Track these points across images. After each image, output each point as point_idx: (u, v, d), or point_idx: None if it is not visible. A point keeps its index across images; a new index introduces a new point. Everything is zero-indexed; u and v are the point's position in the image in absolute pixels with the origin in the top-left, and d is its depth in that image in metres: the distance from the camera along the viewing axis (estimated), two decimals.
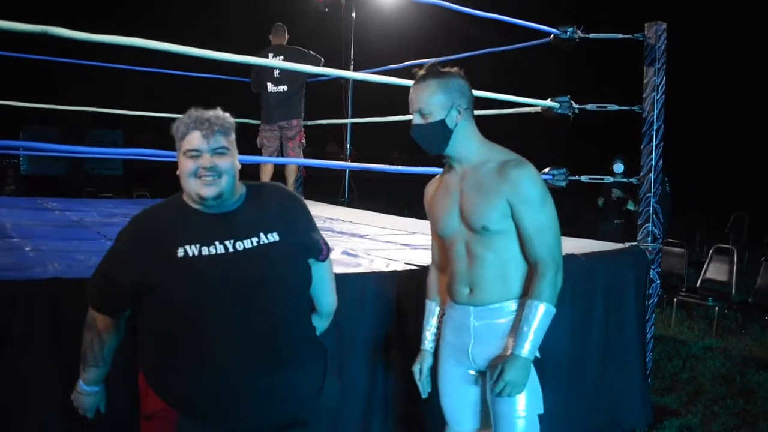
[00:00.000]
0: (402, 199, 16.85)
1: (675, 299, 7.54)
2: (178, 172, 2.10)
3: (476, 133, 2.53)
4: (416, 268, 3.45)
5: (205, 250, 2.01)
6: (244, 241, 2.05)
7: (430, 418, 3.40)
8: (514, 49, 4.99)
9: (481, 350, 2.50)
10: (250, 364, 2.00)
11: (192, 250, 2.00)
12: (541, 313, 2.35)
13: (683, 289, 7.68)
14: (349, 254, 3.81)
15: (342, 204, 7.83)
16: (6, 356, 2.36)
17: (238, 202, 2.12)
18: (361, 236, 4.70)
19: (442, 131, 2.44)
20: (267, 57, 6.69)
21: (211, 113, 2.06)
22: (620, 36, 4.65)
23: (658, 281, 4.61)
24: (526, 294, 2.43)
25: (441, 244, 2.69)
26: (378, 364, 3.27)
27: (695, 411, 4.79)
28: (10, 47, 6.63)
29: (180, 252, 1.99)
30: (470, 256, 2.49)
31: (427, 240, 4.52)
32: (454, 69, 2.51)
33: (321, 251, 2.24)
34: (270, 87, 6.75)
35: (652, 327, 4.60)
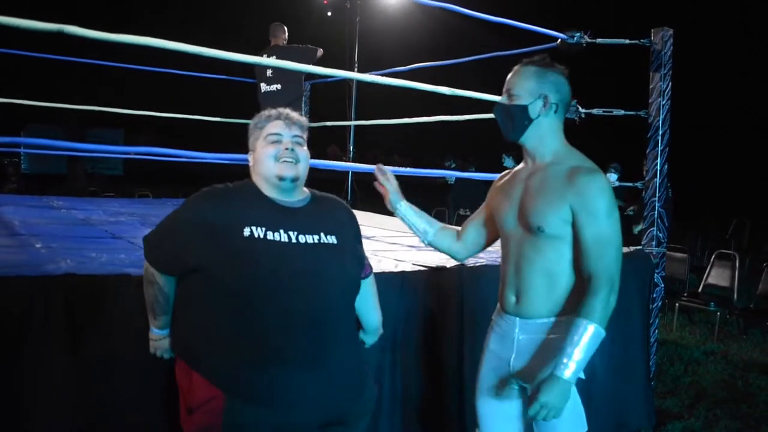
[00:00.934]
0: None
1: (677, 304, 7.56)
2: (251, 164, 2.27)
3: (559, 134, 2.44)
4: (424, 268, 3.47)
5: (270, 235, 2.10)
6: (306, 236, 2.16)
7: (439, 418, 3.43)
8: (521, 53, 5.03)
9: (522, 364, 2.39)
10: (302, 352, 2.06)
11: (258, 232, 2.09)
12: (589, 334, 2.18)
13: (685, 294, 7.70)
14: None
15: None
16: (22, 351, 2.38)
17: (304, 202, 2.27)
18: (368, 237, 4.71)
19: (521, 116, 2.38)
20: (261, 57, 6.72)
21: (288, 110, 2.27)
22: (627, 41, 4.67)
23: (662, 285, 4.63)
24: (575, 311, 2.27)
25: (477, 228, 2.72)
26: (386, 363, 3.28)
27: (698, 414, 4.82)
28: (12, 45, 6.64)
29: (246, 231, 2.08)
30: (520, 258, 2.39)
31: None
32: (561, 66, 2.45)
33: (364, 268, 2.40)
34: (263, 87, 6.83)
35: (656, 331, 4.62)
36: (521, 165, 2.55)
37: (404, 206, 2.73)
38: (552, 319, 2.34)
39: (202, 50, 3.31)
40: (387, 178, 2.73)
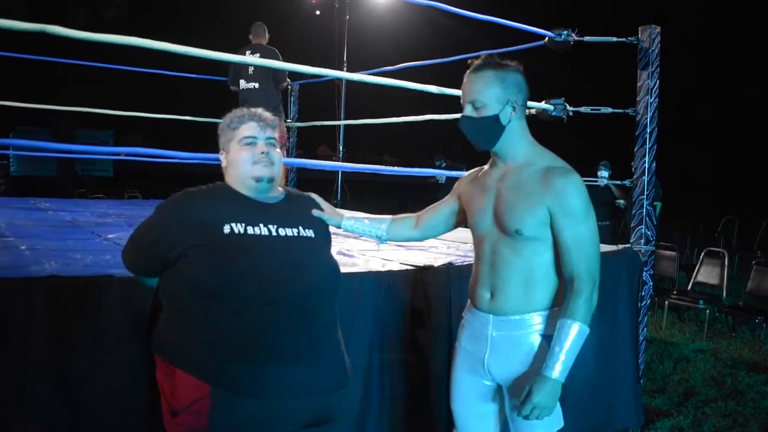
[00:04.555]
0: (393, 201, 16.87)
1: (666, 302, 7.58)
2: (224, 165, 2.30)
3: (526, 133, 2.41)
4: (412, 268, 3.46)
5: (250, 229, 2.12)
6: (286, 229, 2.19)
7: (426, 419, 3.42)
8: (509, 51, 5.03)
9: (497, 361, 2.39)
10: (289, 341, 2.06)
11: (238, 227, 2.10)
12: (574, 333, 2.21)
13: (674, 292, 7.71)
14: (344, 254, 3.82)
15: (335, 206, 7.83)
16: (4, 353, 2.35)
17: (279, 198, 2.30)
18: (356, 237, 4.70)
19: (493, 127, 2.33)
20: (245, 54, 6.80)
21: (259, 110, 2.28)
22: (614, 39, 4.67)
23: (651, 283, 4.64)
24: (550, 308, 2.33)
25: (437, 217, 2.72)
26: (374, 364, 3.27)
27: (686, 412, 4.82)
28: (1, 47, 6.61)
29: (226, 228, 2.09)
30: (495, 257, 2.38)
31: (422, 243, 4.54)
32: (514, 62, 2.39)
33: None
34: (242, 84, 6.96)
35: (645, 329, 4.63)
36: (489, 165, 2.52)
37: (346, 223, 2.69)
38: (526, 315, 2.35)
39: (188, 50, 3.29)
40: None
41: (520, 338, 2.35)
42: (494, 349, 2.40)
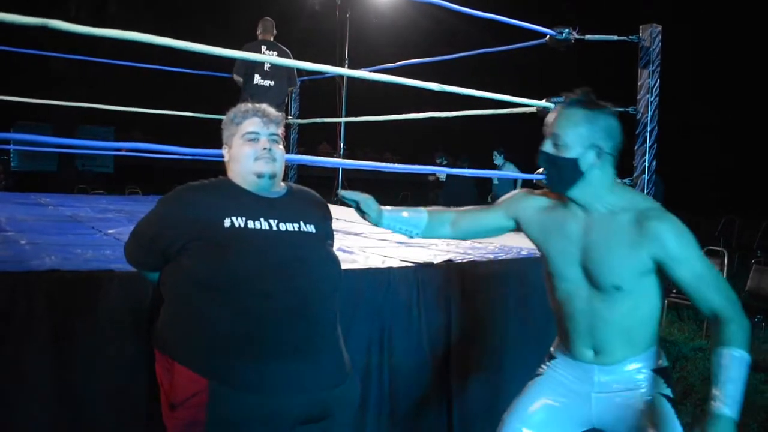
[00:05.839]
0: (394, 199, 16.89)
1: (665, 301, 7.58)
2: (226, 159, 2.29)
3: (611, 182, 2.21)
4: (412, 265, 3.46)
5: (250, 224, 2.12)
6: (287, 224, 2.19)
7: (426, 416, 3.42)
8: (510, 49, 5.02)
9: (604, 407, 2.28)
10: (288, 337, 2.06)
11: (238, 221, 2.11)
12: (739, 362, 2.01)
13: (674, 291, 7.70)
14: (344, 251, 3.82)
15: (335, 203, 7.83)
16: (4, 347, 2.36)
17: (281, 193, 2.30)
18: (356, 234, 4.72)
19: (570, 170, 2.16)
20: (260, 50, 6.76)
21: (264, 106, 2.29)
22: (615, 38, 4.67)
23: None
24: (652, 345, 2.26)
25: (484, 225, 2.53)
26: (372, 361, 3.27)
27: (685, 410, 4.82)
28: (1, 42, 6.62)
29: (227, 222, 2.09)
30: (594, 317, 2.24)
31: (422, 240, 4.54)
32: (609, 104, 2.20)
33: None
34: (257, 79, 6.83)
35: None
36: (561, 201, 2.33)
37: (386, 218, 2.51)
38: (633, 359, 2.26)
39: (199, 47, 3.28)
40: (359, 202, 2.48)
41: (630, 378, 2.26)
42: (602, 389, 2.30)
